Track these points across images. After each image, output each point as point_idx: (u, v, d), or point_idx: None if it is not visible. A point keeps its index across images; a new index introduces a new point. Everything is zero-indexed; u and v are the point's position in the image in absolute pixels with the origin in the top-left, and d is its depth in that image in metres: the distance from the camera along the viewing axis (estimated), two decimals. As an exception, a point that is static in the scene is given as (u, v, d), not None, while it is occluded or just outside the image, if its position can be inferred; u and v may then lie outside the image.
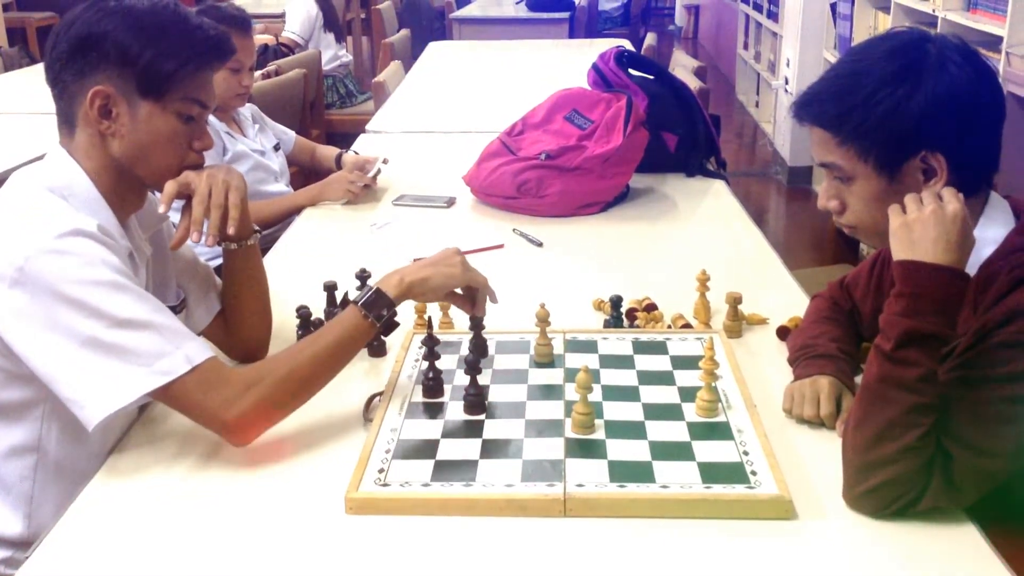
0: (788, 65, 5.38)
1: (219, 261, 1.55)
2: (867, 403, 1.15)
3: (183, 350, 1.23)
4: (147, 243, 1.46)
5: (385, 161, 2.55)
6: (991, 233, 1.20)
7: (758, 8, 6.57)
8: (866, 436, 1.13)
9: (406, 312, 1.64)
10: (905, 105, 1.15)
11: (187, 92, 1.32)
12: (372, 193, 2.50)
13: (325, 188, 2.45)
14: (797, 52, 5.18)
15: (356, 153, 2.75)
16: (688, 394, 1.38)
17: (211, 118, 2.45)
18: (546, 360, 1.49)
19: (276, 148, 2.75)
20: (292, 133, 2.90)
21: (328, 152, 2.83)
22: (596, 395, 1.38)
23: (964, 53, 1.18)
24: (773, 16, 6.03)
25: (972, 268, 1.19)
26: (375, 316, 1.34)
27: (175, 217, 1.42)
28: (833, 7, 4.91)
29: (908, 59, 1.17)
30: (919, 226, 1.14)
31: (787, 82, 5.42)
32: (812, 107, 1.23)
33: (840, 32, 4.80)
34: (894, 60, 1.17)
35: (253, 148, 2.62)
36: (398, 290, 1.37)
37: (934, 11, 3.41)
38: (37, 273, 1.19)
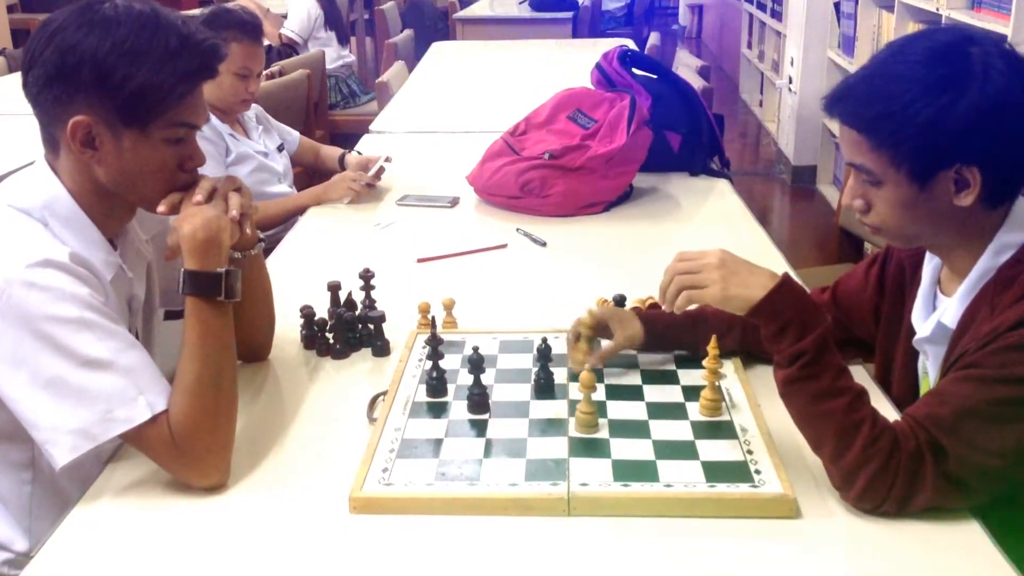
0: (792, 64, 5.37)
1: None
2: (810, 426, 1.16)
3: (145, 396, 1.18)
4: (149, 245, 1.45)
5: (388, 160, 2.55)
6: (1013, 238, 1.19)
7: (762, 7, 6.56)
8: (830, 452, 1.14)
9: (410, 311, 1.65)
10: (946, 117, 1.10)
11: (174, 118, 1.24)
12: (375, 193, 2.50)
13: (328, 188, 2.45)
14: (801, 51, 5.18)
15: (359, 153, 2.76)
16: (692, 393, 1.38)
17: (214, 120, 2.46)
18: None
19: (280, 149, 2.76)
20: (296, 133, 2.90)
21: (332, 152, 2.83)
22: (600, 394, 1.38)
23: (1008, 58, 1.13)
24: (777, 15, 6.02)
25: (991, 271, 1.19)
26: (203, 293, 1.26)
27: None
28: (837, 6, 4.90)
29: (951, 66, 1.11)
30: (728, 283, 1.18)
31: (791, 81, 5.41)
32: (846, 104, 1.19)
33: (844, 31, 4.80)
34: (936, 66, 1.12)
35: (257, 149, 2.62)
36: (193, 261, 1.27)
37: (938, 10, 3.40)
38: (4, 305, 1.16)
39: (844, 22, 4.78)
